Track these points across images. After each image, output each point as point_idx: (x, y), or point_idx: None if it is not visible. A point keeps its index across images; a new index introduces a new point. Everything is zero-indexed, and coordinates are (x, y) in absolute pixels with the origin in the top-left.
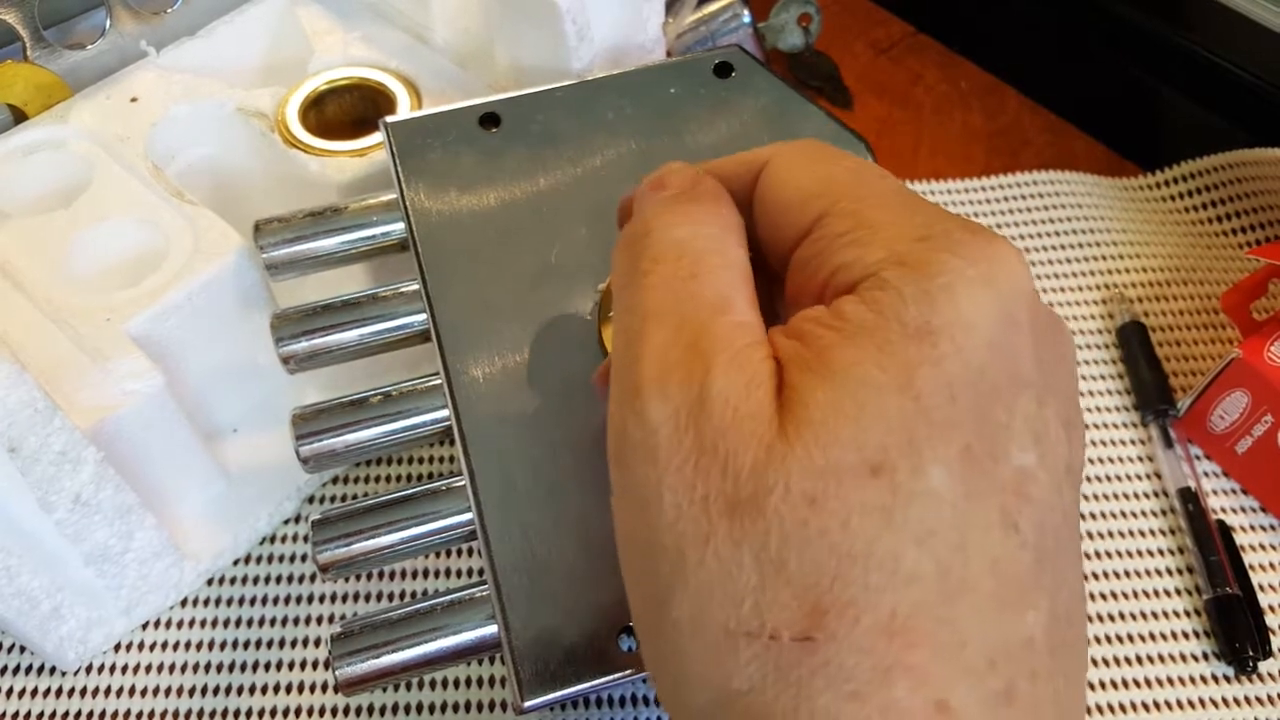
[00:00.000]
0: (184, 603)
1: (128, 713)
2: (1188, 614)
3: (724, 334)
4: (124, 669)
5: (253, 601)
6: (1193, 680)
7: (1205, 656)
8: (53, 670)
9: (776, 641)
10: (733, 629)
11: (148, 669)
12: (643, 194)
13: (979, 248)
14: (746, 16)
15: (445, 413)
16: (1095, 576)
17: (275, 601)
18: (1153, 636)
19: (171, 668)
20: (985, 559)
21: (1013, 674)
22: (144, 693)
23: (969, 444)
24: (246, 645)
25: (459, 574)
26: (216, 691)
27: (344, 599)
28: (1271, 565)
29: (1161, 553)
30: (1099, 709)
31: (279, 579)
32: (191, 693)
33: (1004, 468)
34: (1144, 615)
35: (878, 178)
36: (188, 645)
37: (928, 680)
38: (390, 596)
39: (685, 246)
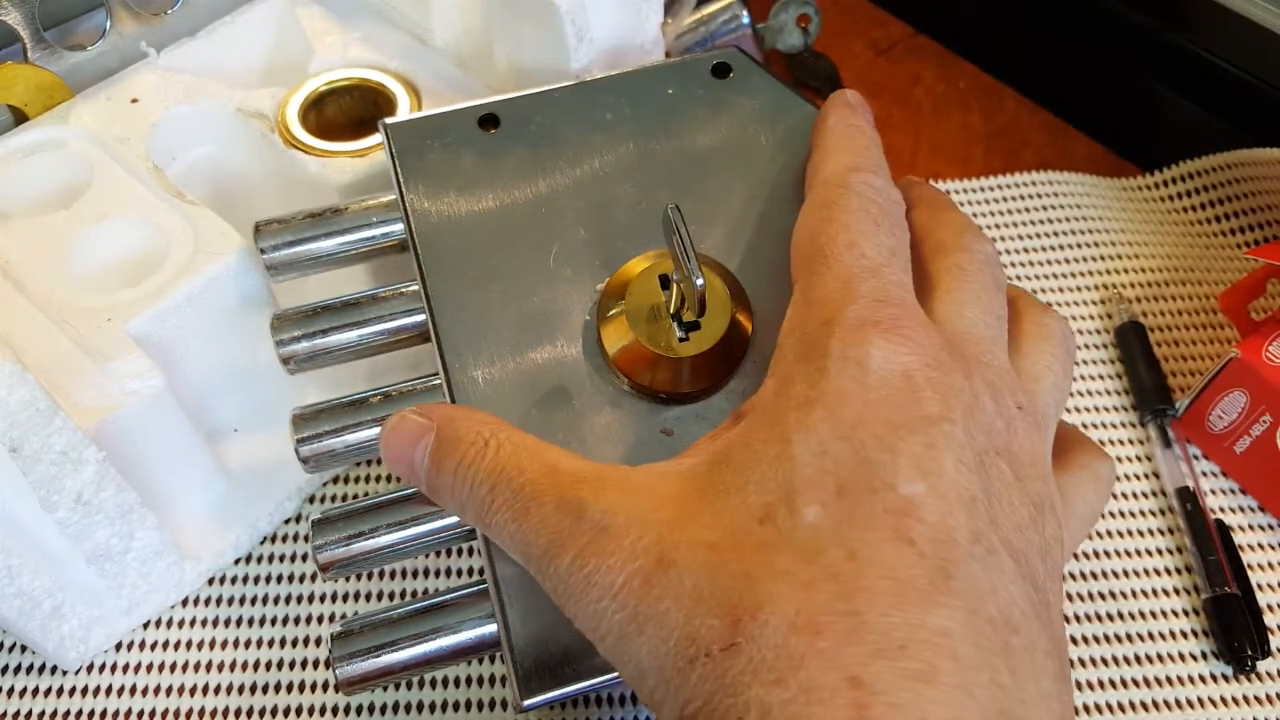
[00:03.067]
0: (185, 602)
1: (129, 712)
2: (1186, 613)
3: (563, 472)
4: (125, 668)
5: (253, 601)
6: (1191, 680)
7: (1204, 656)
8: (54, 670)
9: (711, 657)
10: (680, 664)
11: (149, 668)
12: (412, 462)
13: (860, 334)
14: (745, 17)
15: None
16: (1094, 576)
17: (276, 601)
18: (1151, 636)
19: (173, 667)
20: (880, 566)
21: (930, 657)
22: (145, 692)
23: (841, 485)
24: (247, 645)
25: (459, 574)
26: (217, 691)
27: (344, 599)
28: (1270, 565)
29: (1160, 552)
30: (1098, 708)
31: (279, 579)
32: (192, 692)
33: (889, 495)
34: (1142, 615)
35: (845, 247)
36: (189, 645)
37: (838, 660)
38: (390, 596)
39: (489, 469)
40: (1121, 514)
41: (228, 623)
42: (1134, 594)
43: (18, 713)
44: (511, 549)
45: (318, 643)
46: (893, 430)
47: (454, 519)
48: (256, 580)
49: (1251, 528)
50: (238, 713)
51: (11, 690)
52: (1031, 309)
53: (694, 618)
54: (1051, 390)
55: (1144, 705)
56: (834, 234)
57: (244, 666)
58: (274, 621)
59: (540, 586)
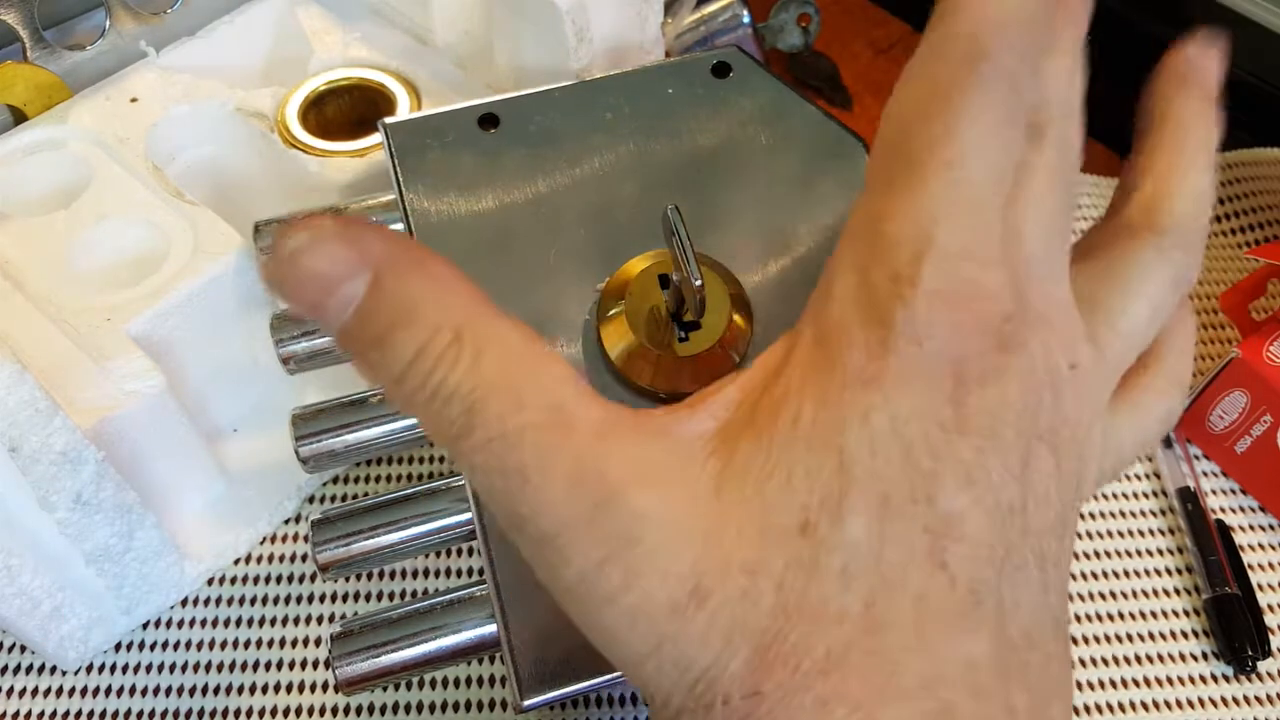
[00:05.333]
0: (184, 602)
1: (128, 712)
2: (1187, 613)
3: (578, 423)
4: (125, 669)
5: (253, 601)
6: (1192, 680)
7: (1204, 656)
8: (54, 670)
9: (729, 705)
10: (693, 705)
11: (148, 669)
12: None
13: (930, 309)
14: (745, 16)
15: None
16: (1095, 576)
17: (275, 601)
18: (1152, 636)
19: (172, 667)
20: (908, 595)
21: (949, 695)
22: (144, 692)
23: (887, 493)
24: (247, 645)
25: (459, 574)
26: (217, 691)
27: (344, 599)
28: (1270, 565)
29: (1161, 552)
30: (1099, 708)
31: (279, 579)
32: (192, 692)
33: (928, 513)
34: (1143, 615)
35: (943, 165)
36: (188, 645)
37: (860, 706)
38: (390, 596)
39: (465, 386)
40: (1122, 514)
41: (227, 623)
42: (1134, 594)
43: (18, 713)
44: (493, 505)
45: (318, 643)
46: (943, 430)
47: (455, 519)
48: (256, 580)
49: (1252, 528)
50: (237, 713)
51: (11, 690)
52: (1129, 232)
53: (719, 661)
54: (1129, 335)
55: (1144, 705)
56: (933, 139)
57: (244, 667)
58: (274, 621)
59: (539, 588)
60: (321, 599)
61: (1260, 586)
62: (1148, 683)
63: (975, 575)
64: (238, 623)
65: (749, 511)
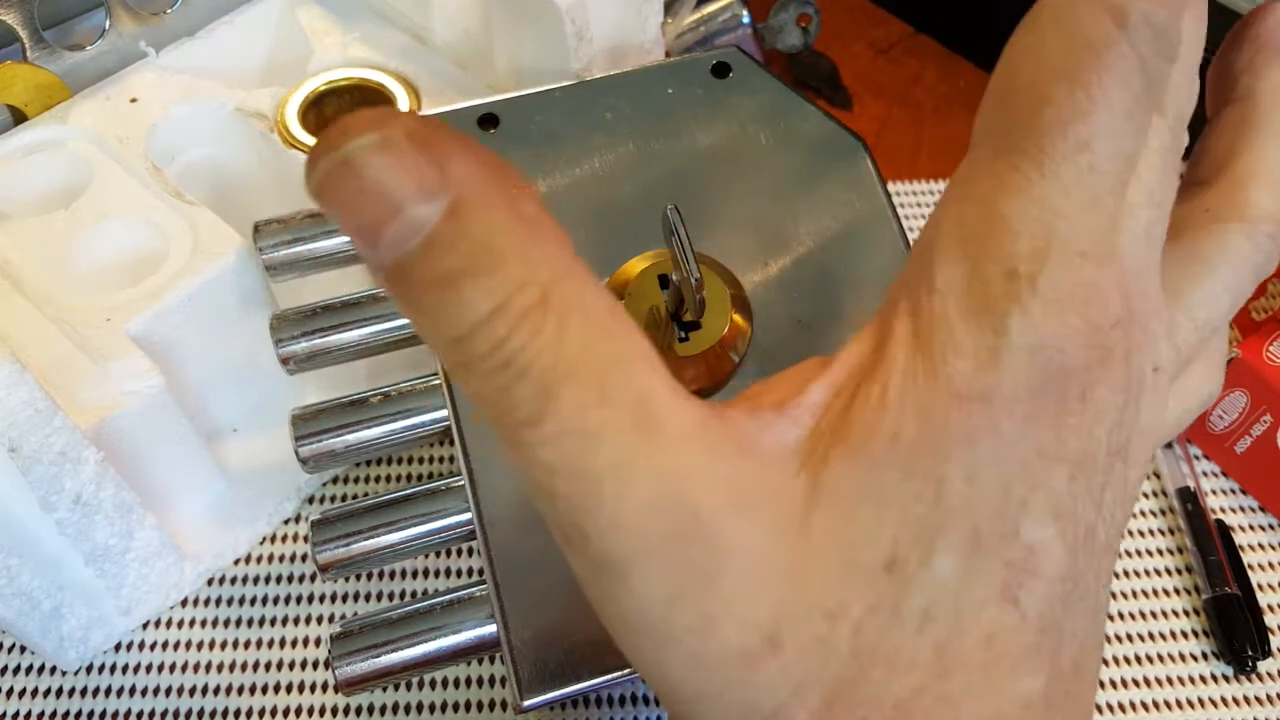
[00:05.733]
0: (184, 602)
1: (128, 713)
2: (1187, 613)
3: (665, 425)
4: (124, 669)
5: (253, 601)
6: (1192, 680)
7: (1204, 656)
8: (53, 670)
9: None
10: None
11: (148, 669)
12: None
13: (1048, 315)
14: (745, 17)
15: (445, 413)
16: None
17: (275, 601)
18: (1152, 636)
19: (172, 667)
20: (979, 635)
21: None
22: (144, 692)
23: (977, 526)
24: (246, 645)
25: (459, 574)
26: (216, 691)
27: (344, 599)
28: (1270, 565)
29: (1160, 552)
30: (1098, 709)
31: (279, 579)
32: (191, 692)
33: (1012, 546)
34: (1143, 615)
35: (1073, 149)
36: (188, 645)
37: None
38: (390, 596)
39: (545, 363)
40: None
41: (227, 623)
42: (1134, 594)
43: (17, 713)
44: (549, 512)
45: (317, 643)
46: (1040, 456)
47: (454, 519)
48: (256, 580)
49: (1252, 528)
50: (237, 713)
51: (10, 690)
52: (1215, 216)
53: (784, 710)
54: (1205, 327)
55: (1144, 705)
56: (1067, 114)
57: (243, 667)
58: (273, 622)
59: (539, 588)
60: (321, 599)
61: (1260, 586)
62: (1148, 683)
63: (1045, 611)
64: (238, 623)
65: (835, 542)
